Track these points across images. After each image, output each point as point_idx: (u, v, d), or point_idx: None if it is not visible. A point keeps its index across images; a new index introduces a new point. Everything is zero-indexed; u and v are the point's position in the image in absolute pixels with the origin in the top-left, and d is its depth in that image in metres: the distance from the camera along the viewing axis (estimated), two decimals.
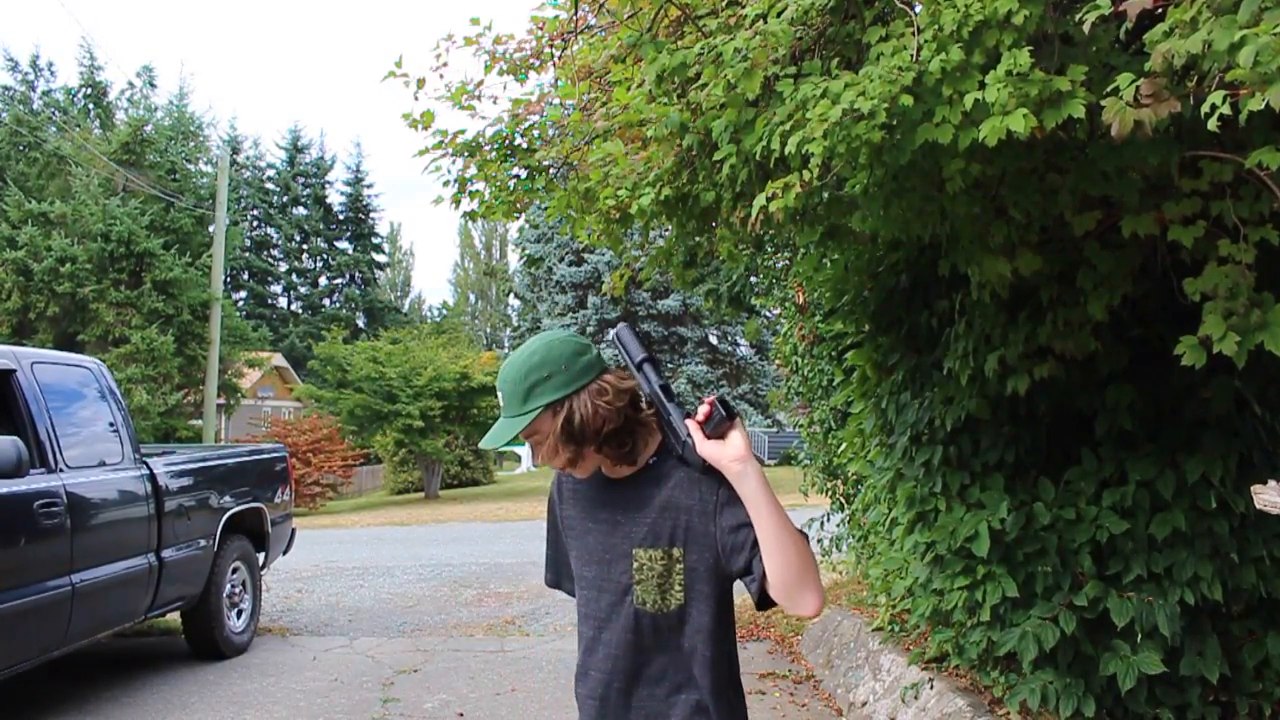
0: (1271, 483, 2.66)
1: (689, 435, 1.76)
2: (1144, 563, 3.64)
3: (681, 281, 5.57)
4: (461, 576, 10.23)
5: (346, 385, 22.94)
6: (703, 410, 1.75)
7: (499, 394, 1.79)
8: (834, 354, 6.07)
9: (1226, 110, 1.79)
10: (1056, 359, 3.47)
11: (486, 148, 4.18)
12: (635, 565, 1.82)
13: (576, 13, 4.01)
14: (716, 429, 1.73)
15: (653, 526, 1.81)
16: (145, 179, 20.45)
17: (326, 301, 45.04)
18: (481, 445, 1.90)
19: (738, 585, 1.84)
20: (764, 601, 1.75)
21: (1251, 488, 2.78)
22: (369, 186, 46.46)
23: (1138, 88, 2.03)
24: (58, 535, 5.03)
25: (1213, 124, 1.81)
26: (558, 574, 2.09)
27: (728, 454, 1.70)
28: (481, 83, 4.31)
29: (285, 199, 44.42)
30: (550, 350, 1.78)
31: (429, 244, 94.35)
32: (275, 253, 44.57)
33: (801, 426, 8.62)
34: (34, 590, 4.84)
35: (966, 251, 3.17)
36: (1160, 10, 2.01)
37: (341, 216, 45.74)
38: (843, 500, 7.89)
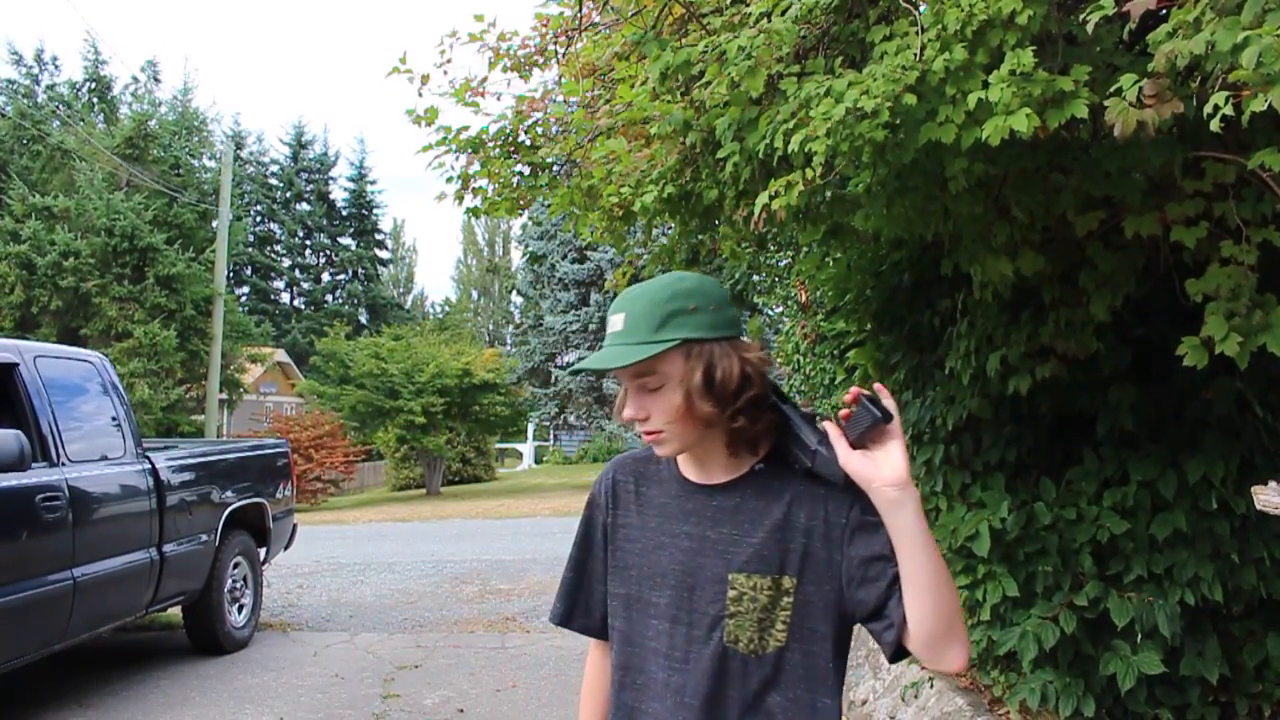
0: (1272, 483, 2.66)
1: (821, 442, 1.43)
2: (1144, 563, 3.64)
3: None
4: (462, 573, 10.25)
5: (348, 381, 22.96)
6: (844, 410, 1.41)
7: (616, 316, 1.46)
8: (836, 353, 6.08)
9: (1229, 111, 1.79)
10: (1058, 359, 3.47)
11: (490, 144, 4.19)
12: (731, 594, 1.48)
13: (581, 10, 4.01)
14: (864, 436, 1.38)
15: (760, 548, 1.47)
16: (149, 174, 20.47)
17: (329, 297, 45.07)
18: (583, 366, 1.47)
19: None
20: (899, 653, 1.44)
21: (1252, 489, 2.78)
22: (372, 183, 46.48)
23: (1141, 88, 2.03)
24: (59, 529, 5.04)
25: (1215, 125, 1.81)
26: (572, 606, 1.70)
27: (884, 475, 1.36)
28: (485, 79, 4.31)
29: (288, 195, 44.45)
30: (702, 283, 1.49)
31: (432, 240, 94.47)
32: (278, 248, 44.60)
33: None
34: (35, 584, 4.85)
35: (969, 251, 3.17)
36: (1164, 11, 2.01)
37: (345, 212, 45.78)
38: None
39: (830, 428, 1.41)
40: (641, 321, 1.44)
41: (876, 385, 1.42)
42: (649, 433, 1.49)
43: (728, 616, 1.48)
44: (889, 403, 1.38)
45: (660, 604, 1.54)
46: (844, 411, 1.40)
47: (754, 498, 1.51)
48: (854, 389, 1.40)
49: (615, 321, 1.46)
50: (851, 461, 1.38)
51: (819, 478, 1.45)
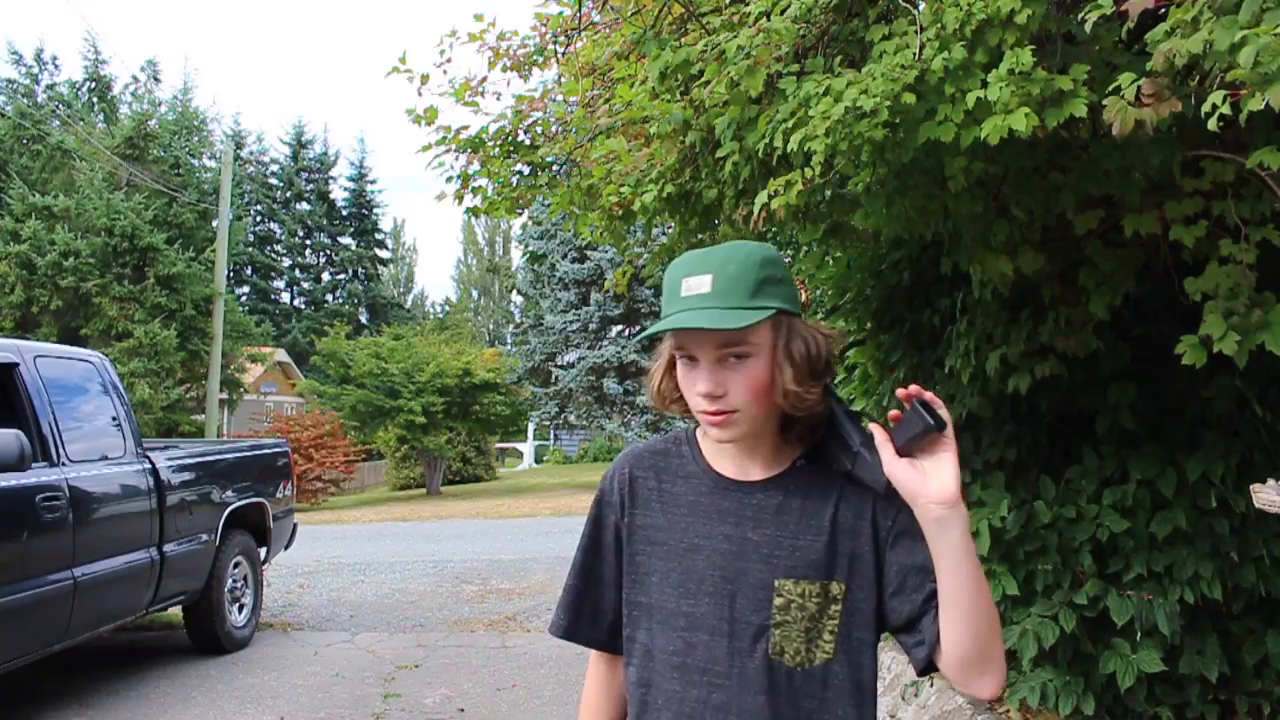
0: (1271, 482, 2.66)
1: (864, 444, 1.34)
2: (1144, 561, 3.65)
3: None
4: (463, 572, 10.25)
5: (349, 381, 22.95)
6: (893, 413, 1.30)
7: (700, 278, 1.32)
8: (836, 351, 6.07)
9: (1227, 110, 1.79)
10: (1058, 357, 3.47)
11: (490, 144, 4.19)
12: (778, 601, 1.36)
13: (580, 9, 4.01)
14: (913, 443, 1.27)
15: (808, 551, 1.37)
16: (149, 174, 20.47)
17: (329, 297, 45.06)
18: (680, 325, 1.31)
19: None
20: (928, 668, 1.37)
21: (1251, 487, 2.78)
22: (372, 182, 46.48)
23: (1139, 87, 2.04)
24: (59, 529, 5.04)
25: (1213, 124, 1.81)
26: (577, 616, 1.54)
27: (931, 490, 1.25)
28: (485, 79, 4.32)
29: (289, 194, 44.44)
30: (778, 255, 1.39)
31: (432, 240, 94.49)
32: (278, 248, 44.60)
33: None
34: (35, 584, 4.86)
35: (968, 250, 3.17)
36: (1162, 10, 2.02)
37: (345, 212, 45.77)
38: None
39: (877, 430, 1.30)
40: (735, 285, 1.30)
41: (928, 394, 1.28)
42: (721, 412, 1.33)
43: (774, 626, 1.36)
44: (944, 412, 1.26)
45: (696, 614, 1.40)
46: (893, 413, 1.30)
47: (798, 496, 1.40)
48: (908, 387, 1.28)
49: (698, 283, 1.32)
50: (897, 470, 1.27)
51: (863, 483, 1.36)
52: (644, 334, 1.38)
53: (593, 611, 1.53)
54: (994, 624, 1.30)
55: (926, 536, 1.28)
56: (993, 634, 1.30)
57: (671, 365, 1.43)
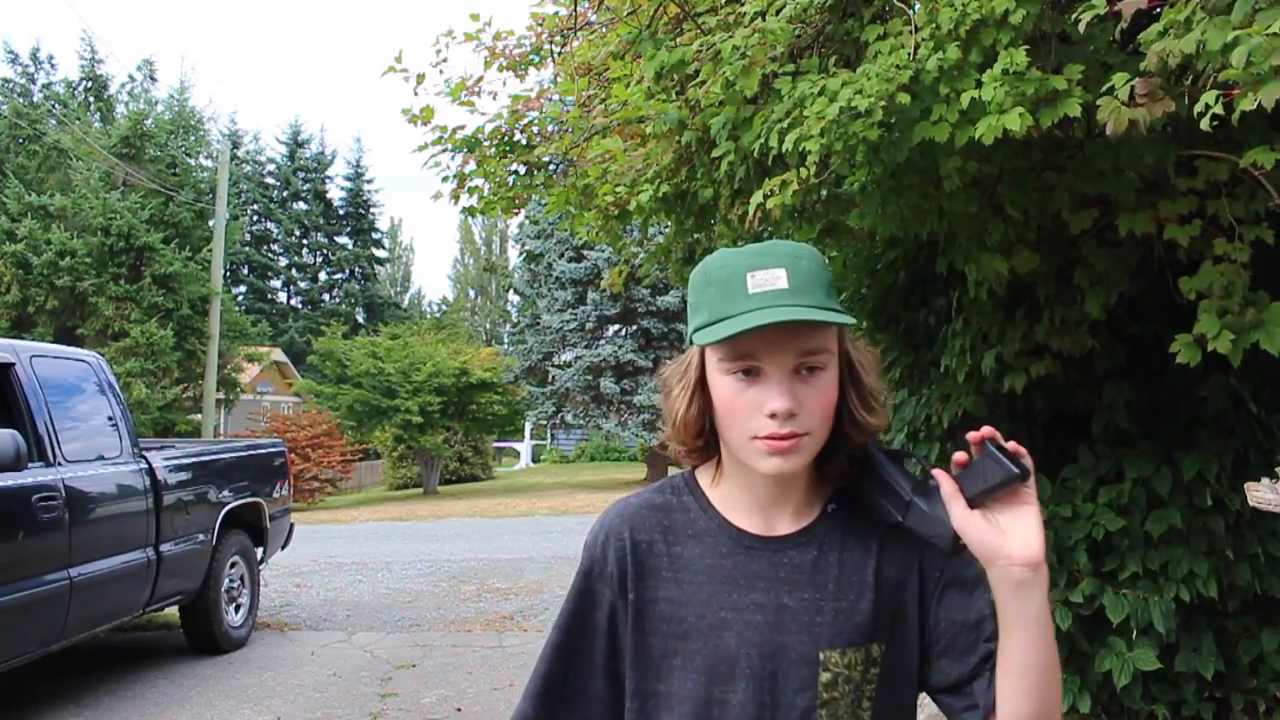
0: (1265, 480, 2.67)
1: (916, 491, 1.16)
2: (1140, 560, 3.65)
3: (680, 278, 5.58)
4: (460, 572, 10.25)
5: (346, 381, 22.95)
6: (960, 455, 1.12)
7: (771, 272, 1.12)
8: None
9: (1220, 110, 1.80)
10: (1053, 357, 3.48)
11: (486, 143, 4.19)
12: (825, 677, 1.17)
13: (576, 9, 4.01)
14: (987, 494, 1.09)
15: (852, 614, 1.19)
16: (145, 173, 20.44)
17: (326, 297, 45.01)
18: (765, 321, 1.08)
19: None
20: None
21: (1245, 485, 2.79)
22: (369, 182, 46.41)
23: (1133, 87, 2.05)
24: (56, 529, 5.04)
25: (1206, 124, 1.82)
26: (551, 707, 1.28)
27: (1014, 551, 1.07)
28: (481, 79, 4.32)
29: (285, 194, 44.39)
30: None
31: (429, 239, 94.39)
32: (275, 247, 44.55)
33: None
34: (32, 584, 4.85)
35: (964, 249, 3.18)
36: (1156, 10, 2.02)
37: (341, 211, 45.71)
38: None
39: (944, 480, 1.11)
40: (813, 283, 1.13)
41: (999, 437, 1.11)
42: (792, 435, 1.11)
43: (820, 706, 1.17)
44: (1026, 459, 1.09)
45: (731, 701, 1.18)
46: (960, 457, 1.12)
47: (834, 550, 1.21)
48: (980, 431, 1.10)
49: (770, 277, 1.12)
50: (971, 527, 1.08)
51: (926, 540, 1.16)
52: (717, 337, 1.09)
53: (573, 703, 1.28)
54: (1059, 691, 1.16)
55: (999, 602, 1.11)
56: (1057, 703, 1.15)
57: (701, 387, 1.19)
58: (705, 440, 1.22)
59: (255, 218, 43.71)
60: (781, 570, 1.20)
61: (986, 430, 1.11)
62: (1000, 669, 1.14)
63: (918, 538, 1.17)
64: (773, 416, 1.11)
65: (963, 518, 1.09)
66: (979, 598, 1.19)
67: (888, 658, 1.20)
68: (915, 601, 1.21)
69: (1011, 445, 1.09)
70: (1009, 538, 1.08)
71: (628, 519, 1.28)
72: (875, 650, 1.19)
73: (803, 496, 1.23)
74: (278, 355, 34.00)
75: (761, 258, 1.14)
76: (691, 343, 1.20)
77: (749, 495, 1.23)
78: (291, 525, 8.05)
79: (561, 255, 24.43)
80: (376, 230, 47.07)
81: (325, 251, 45.32)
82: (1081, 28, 2.10)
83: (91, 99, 25.35)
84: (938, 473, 1.13)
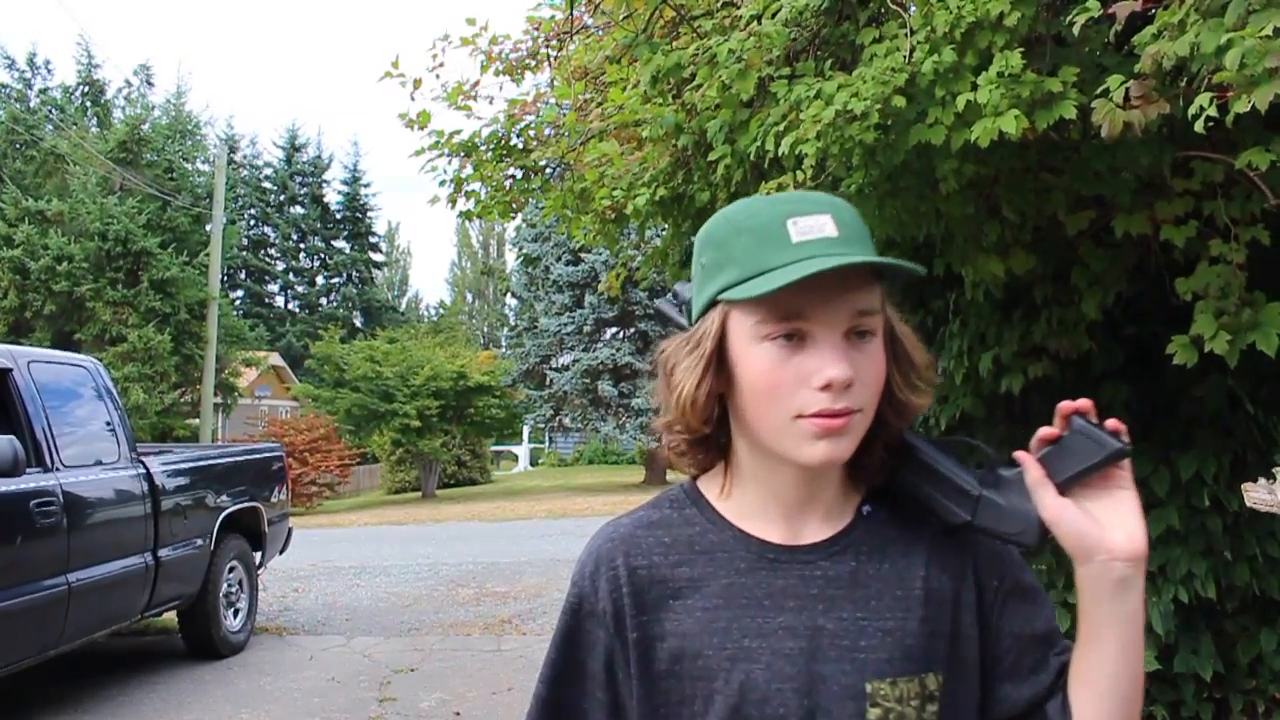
0: (1262, 480, 2.67)
1: (985, 483, 1.00)
2: None
3: (678, 281, 5.59)
4: (458, 576, 10.24)
5: (343, 385, 22.93)
6: (1046, 430, 0.97)
7: (817, 218, 0.94)
8: None
9: (1214, 112, 1.80)
10: (1051, 358, 3.49)
11: (482, 148, 4.20)
12: (874, 714, 0.97)
13: (572, 13, 4.02)
14: (1080, 477, 0.94)
15: (902, 636, 0.99)
16: (142, 177, 20.43)
17: (324, 301, 44.98)
18: (831, 265, 0.88)
19: None
20: None
21: (1243, 486, 2.79)
22: (366, 185, 46.37)
23: (1128, 89, 2.05)
24: (54, 534, 5.04)
25: (1200, 126, 1.82)
26: None
27: (1115, 543, 0.92)
28: (478, 83, 4.33)
29: (282, 198, 44.36)
30: None
31: (426, 243, 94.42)
32: (272, 252, 44.51)
33: None
34: (30, 589, 4.85)
35: (961, 251, 3.18)
36: (1150, 12, 2.03)
37: (339, 215, 45.68)
38: None
39: (1029, 464, 0.96)
40: (862, 234, 0.97)
41: (1089, 406, 0.95)
42: (846, 412, 0.93)
43: None
44: (1126, 437, 0.94)
45: None
46: (1046, 432, 0.97)
47: (874, 559, 1.02)
48: (1067, 403, 0.95)
49: (816, 224, 0.94)
50: (1066, 519, 0.93)
51: (1007, 539, 0.99)
52: (769, 287, 0.89)
53: None
54: (1141, 701, 1.00)
55: (1091, 604, 0.96)
56: (1139, 714, 1.00)
57: (718, 361, 0.98)
58: (711, 433, 1.02)
59: (252, 222, 43.68)
60: (814, 585, 1.00)
61: (1083, 403, 0.95)
62: (1083, 682, 0.98)
63: (985, 539, 1.02)
64: (825, 388, 0.91)
65: (1056, 508, 0.93)
66: (1045, 605, 1.05)
67: (948, 689, 0.99)
68: (974, 618, 1.02)
69: (1111, 423, 0.95)
70: (1108, 529, 0.93)
71: (620, 543, 1.06)
72: (932, 682, 0.98)
73: (835, 496, 1.04)
74: (275, 359, 33.97)
75: (801, 204, 0.97)
76: (705, 310, 0.99)
77: (772, 500, 1.02)
78: (289, 529, 8.05)
79: (559, 258, 24.44)
80: (374, 234, 47.04)
81: (322, 255, 45.28)
82: (1076, 30, 2.10)
83: (88, 104, 25.34)
84: (1021, 456, 0.97)
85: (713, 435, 1.02)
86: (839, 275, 0.91)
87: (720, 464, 1.06)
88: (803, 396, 0.93)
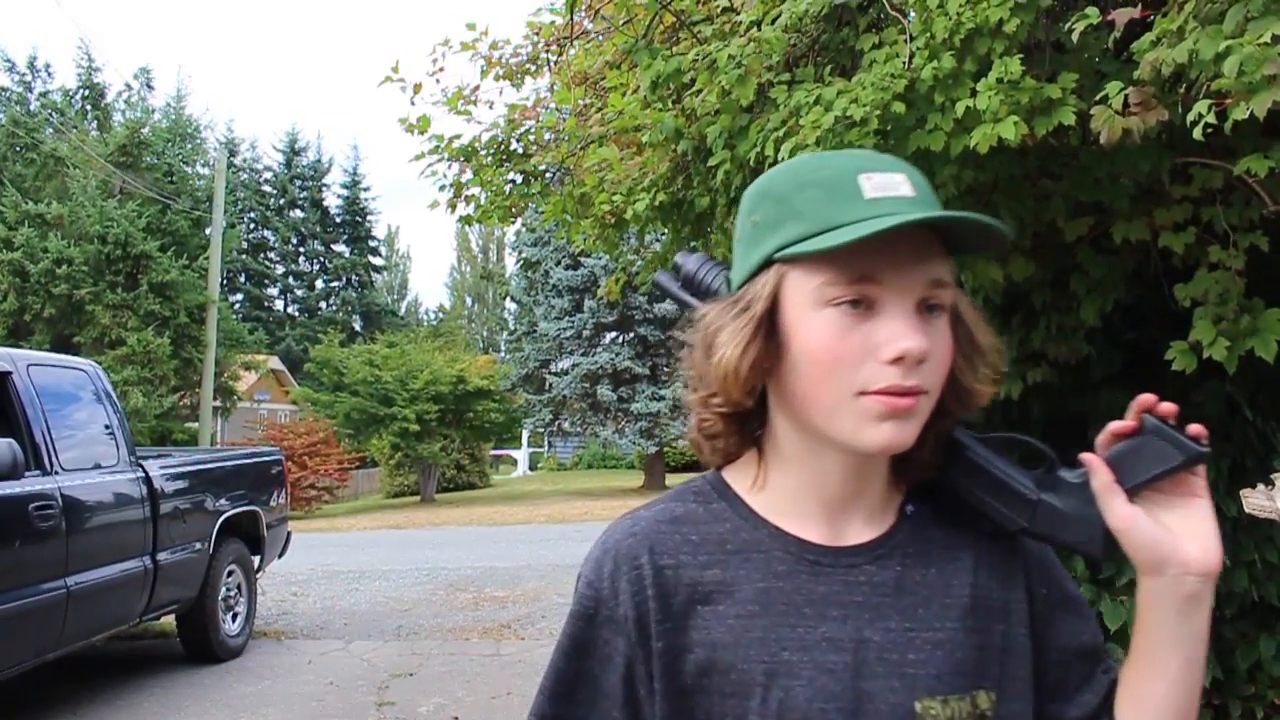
0: (1261, 486, 2.67)
1: (1043, 486, 0.92)
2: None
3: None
4: (457, 580, 10.23)
5: (343, 388, 22.94)
6: (1119, 424, 0.89)
7: (891, 175, 0.86)
8: None
9: (1212, 119, 1.81)
10: (1049, 363, 3.49)
11: (482, 152, 4.20)
12: None
13: (572, 18, 4.03)
14: (1152, 481, 0.86)
15: (951, 650, 0.90)
16: (142, 181, 20.44)
17: (323, 304, 45.03)
18: (918, 218, 0.80)
19: None
20: None
21: (1241, 491, 2.79)
22: (366, 189, 46.48)
23: (1126, 96, 2.06)
24: (53, 537, 5.03)
25: (1198, 133, 1.83)
26: None
27: (1190, 556, 0.85)
28: (478, 87, 4.34)
29: (282, 202, 44.41)
30: None
31: (426, 247, 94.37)
32: (272, 255, 44.56)
33: None
34: (29, 592, 4.84)
35: (959, 257, 3.18)
36: (1148, 19, 2.03)
37: (339, 219, 45.74)
38: None
39: (1097, 467, 0.88)
40: (934, 201, 0.89)
41: (1168, 405, 0.88)
42: (916, 391, 0.83)
43: None
44: (1206, 441, 0.86)
45: None
46: (1118, 426, 0.89)
47: (919, 563, 0.93)
48: (1147, 396, 0.88)
49: (890, 181, 0.86)
50: (1140, 528, 0.85)
51: (1073, 548, 0.91)
52: (847, 238, 0.80)
53: None
54: None
55: (1158, 620, 0.88)
56: None
57: (768, 327, 0.87)
58: (751, 410, 0.92)
59: (252, 225, 43.72)
60: (858, 592, 0.90)
61: (1166, 406, 0.88)
62: (1137, 704, 0.91)
63: (1032, 542, 0.95)
64: (896, 362, 0.82)
65: (1127, 516, 0.85)
66: (1090, 618, 0.99)
67: (1001, 709, 0.90)
68: (1026, 628, 0.94)
69: (1194, 428, 0.86)
70: (1183, 539, 0.86)
71: (644, 538, 0.93)
72: (984, 700, 0.89)
73: (881, 492, 0.94)
74: (275, 363, 33.96)
75: (873, 160, 0.88)
76: (755, 272, 0.89)
77: (812, 495, 0.92)
78: (288, 533, 8.04)
79: (558, 263, 24.45)
80: (373, 238, 47.11)
81: (322, 259, 45.32)
82: (1075, 36, 2.11)
83: (89, 107, 25.38)
84: (1088, 458, 0.89)
85: (751, 413, 0.92)
86: (915, 240, 0.83)
87: (750, 454, 0.96)
88: (868, 370, 0.83)
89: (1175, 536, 0.86)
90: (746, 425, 0.94)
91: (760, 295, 0.87)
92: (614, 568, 0.93)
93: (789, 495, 0.93)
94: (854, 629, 0.89)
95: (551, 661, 0.95)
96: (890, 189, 0.85)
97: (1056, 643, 0.95)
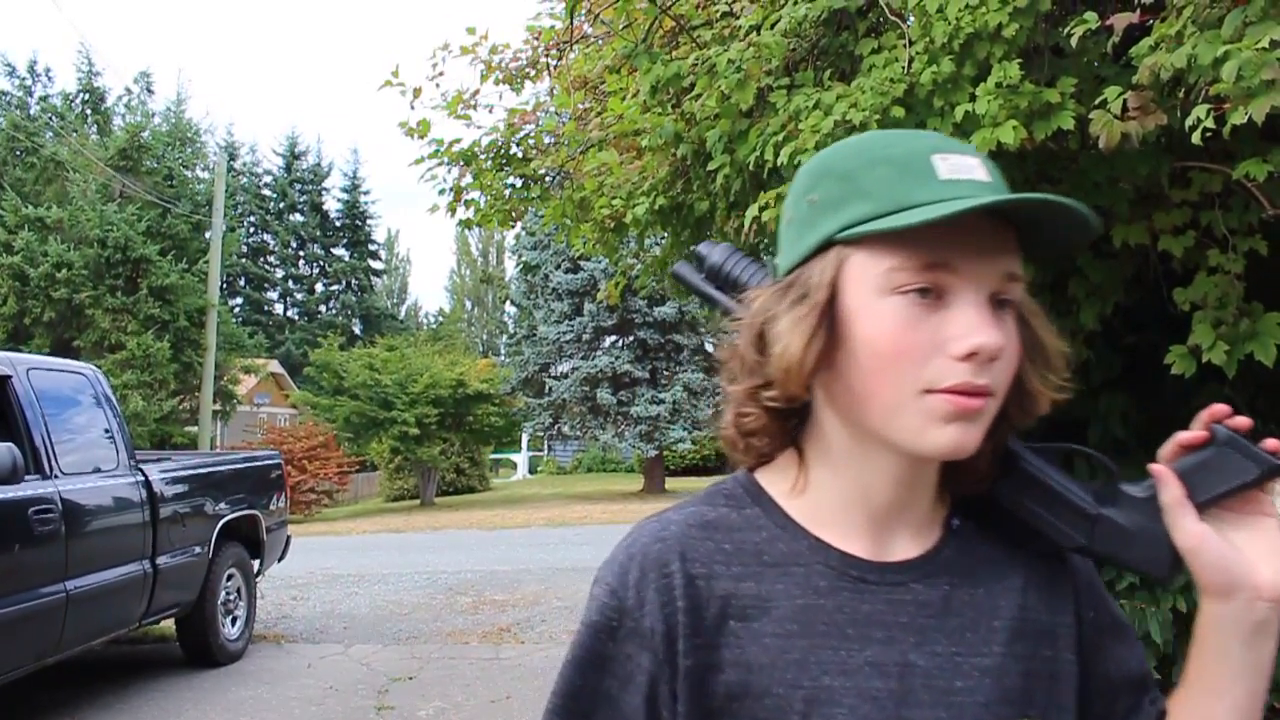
0: None
1: (1103, 501, 0.85)
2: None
3: (677, 290, 5.60)
4: (457, 584, 10.23)
5: (342, 392, 22.94)
6: (1188, 434, 0.82)
7: (965, 159, 0.79)
8: None
9: (1211, 124, 1.81)
10: None
11: (482, 157, 4.21)
12: None
13: (572, 23, 4.03)
14: (1223, 498, 0.80)
15: (999, 673, 0.83)
16: (142, 185, 20.46)
17: (323, 308, 45.02)
18: (996, 201, 0.74)
19: None
20: None
21: None
22: (366, 193, 46.48)
23: (1125, 100, 2.06)
24: (52, 541, 5.03)
25: (1197, 138, 1.83)
26: None
27: (1263, 579, 0.79)
28: (477, 92, 4.35)
29: (282, 205, 44.43)
30: None
31: (426, 251, 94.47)
32: (272, 259, 44.57)
33: None
34: (28, 596, 4.84)
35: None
36: (1147, 24, 2.04)
37: (338, 223, 45.76)
38: None
39: (1168, 481, 0.81)
40: (1005, 186, 0.81)
41: (1242, 418, 0.81)
42: (983, 392, 0.76)
43: None
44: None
45: None
46: (1186, 437, 0.82)
47: (966, 581, 0.86)
48: (1220, 406, 0.81)
49: (965, 164, 0.79)
50: (1211, 548, 0.80)
51: (1132, 568, 0.86)
52: (928, 217, 0.73)
53: None
54: None
55: (1218, 649, 0.83)
56: None
57: (831, 314, 0.79)
58: (801, 406, 0.84)
59: (252, 229, 43.74)
60: (904, 613, 0.83)
61: (1240, 420, 0.81)
62: None
63: (1081, 561, 0.89)
64: (968, 358, 0.75)
65: (1197, 534, 0.79)
66: (1137, 644, 0.93)
67: None
68: (1074, 656, 0.87)
69: (1271, 443, 0.79)
70: (1254, 562, 0.79)
71: (674, 543, 0.84)
72: None
73: (929, 504, 0.87)
74: (274, 367, 33.98)
75: (944, 141, 0.82)
76: (809, 256, 0.81)
77: (858, 503, 0.85)
78: (288, 537, 8.04)
79: (558, 266, 24.45)
80: (373, 242, 47.13)
81: (322, 263, 45.34)
82: (1074, 41, 2.11)
83: (89, 111, 25.40)
84: (1158, 470, 0.82)
85: (799, 410, 0.84)
86: (993, 227, 0.77)
87: (786, 455, 0.88)
88: (936, 366, 0.76)
89: (1247, 558, 0.80)
90: (791, 422, 0.85)
91: (821, 282, 0.79)
92: (640, 575, 0.83)
93: (832, 503, 0.85)
94: (899, 653, 0.81)
95: (563, 676, 0.85)
96: (966, 172, 0.78)
97: (1104, 670, 0.89)
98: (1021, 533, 0.88)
